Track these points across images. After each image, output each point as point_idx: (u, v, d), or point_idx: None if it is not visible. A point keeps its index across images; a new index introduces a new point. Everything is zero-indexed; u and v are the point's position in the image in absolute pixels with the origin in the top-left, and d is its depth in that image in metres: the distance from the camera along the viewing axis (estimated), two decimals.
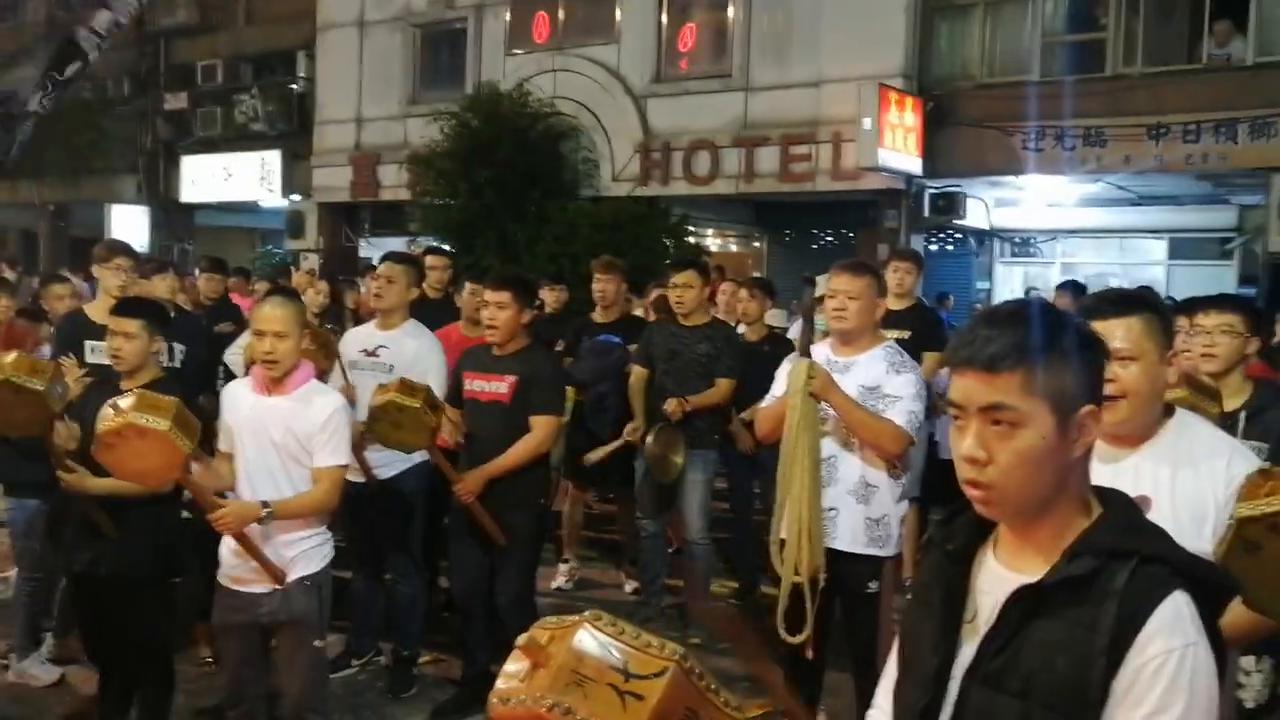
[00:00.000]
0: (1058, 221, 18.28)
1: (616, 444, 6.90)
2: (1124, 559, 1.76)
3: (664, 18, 17.10)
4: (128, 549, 4.65)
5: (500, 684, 1.92)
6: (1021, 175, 15.02)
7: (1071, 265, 19.14)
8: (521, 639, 1.94)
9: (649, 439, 6.51)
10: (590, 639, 1.86)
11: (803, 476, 4.50)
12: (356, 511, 5.89)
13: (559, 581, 7.65)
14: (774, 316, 8.52)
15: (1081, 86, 13.86)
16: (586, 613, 1.94)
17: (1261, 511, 2.38)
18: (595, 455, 6.94)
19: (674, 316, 6.88)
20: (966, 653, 1.88)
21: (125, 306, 4.87)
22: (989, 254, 19.75)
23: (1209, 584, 1.81)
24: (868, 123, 13.93)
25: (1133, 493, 2.03)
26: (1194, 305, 4.58)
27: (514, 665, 1.93)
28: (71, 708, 5.68)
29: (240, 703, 4.45)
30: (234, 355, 7.32)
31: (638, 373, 6.86)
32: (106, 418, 3.87)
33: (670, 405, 6.48)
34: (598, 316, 7.72)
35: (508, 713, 1.88)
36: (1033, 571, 1.82)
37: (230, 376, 7.08)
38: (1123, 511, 1.88)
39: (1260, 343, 4.64)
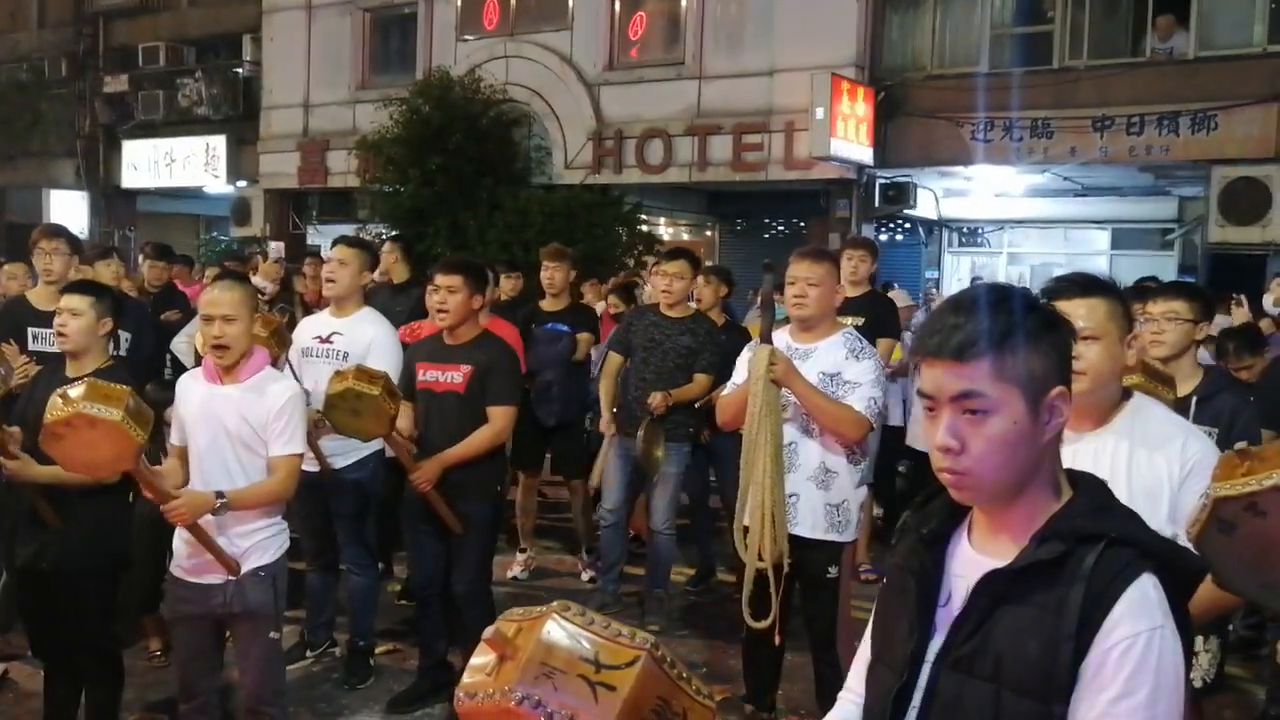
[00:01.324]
0: (1005, 212, 18.50)
1: (605, 449, 6.85)
2: (1092, 542, 1.76)
3: (616, 5, 17.08)
4: (72, 541, 4.54)
5: (466, 678, 1.88)
6: (970, 165, 15.20)
7: (1018, 255, 19.39)
8: (488, 632, 1.89)
9: (640, 433, 6.48)
10: (559, 630, 1.83)
11: (765, 463, 4.51)
12: (310, 501, 5.82)
13: (515, 571, 7.63)
14: None
15: (1029, 79, 14.10)
16: (555, 603, 1.90)
17: (1239, 491, 2.38)
18: (596, 474, 6.87)
19: (654, 306, 6.89)
20: (939, 637, 1.88)
21: (75, 285, 4.78)
22: (937, 243, 19.93)
23: (1178, 566, 1.82)
24: (820, 112, 14.01)
25: (1091, 471, 2.03)
26: (1144, 293, 4.63)
27: (480, 659, 1.88)
28: (16, 705, 5.55)
29: (193, 696, 4.35)
30: (181, 344, 7.20)
31: (612, 358, 6.84)
32: (55, 407, 3.72)
33: (655, 399, 6.47)
34: (546, 304, 7.68)
35: (475, 708, 1.83)
36: (1005, 555, 1.83)
37: (178, 366, 6.97)
38: (1092, 493, 1.88)
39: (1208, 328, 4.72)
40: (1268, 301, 9.86)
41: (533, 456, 7.64)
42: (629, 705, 1.75)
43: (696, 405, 6.72)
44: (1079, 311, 2.75)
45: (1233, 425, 4.12)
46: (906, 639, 1.91)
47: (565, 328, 7.28)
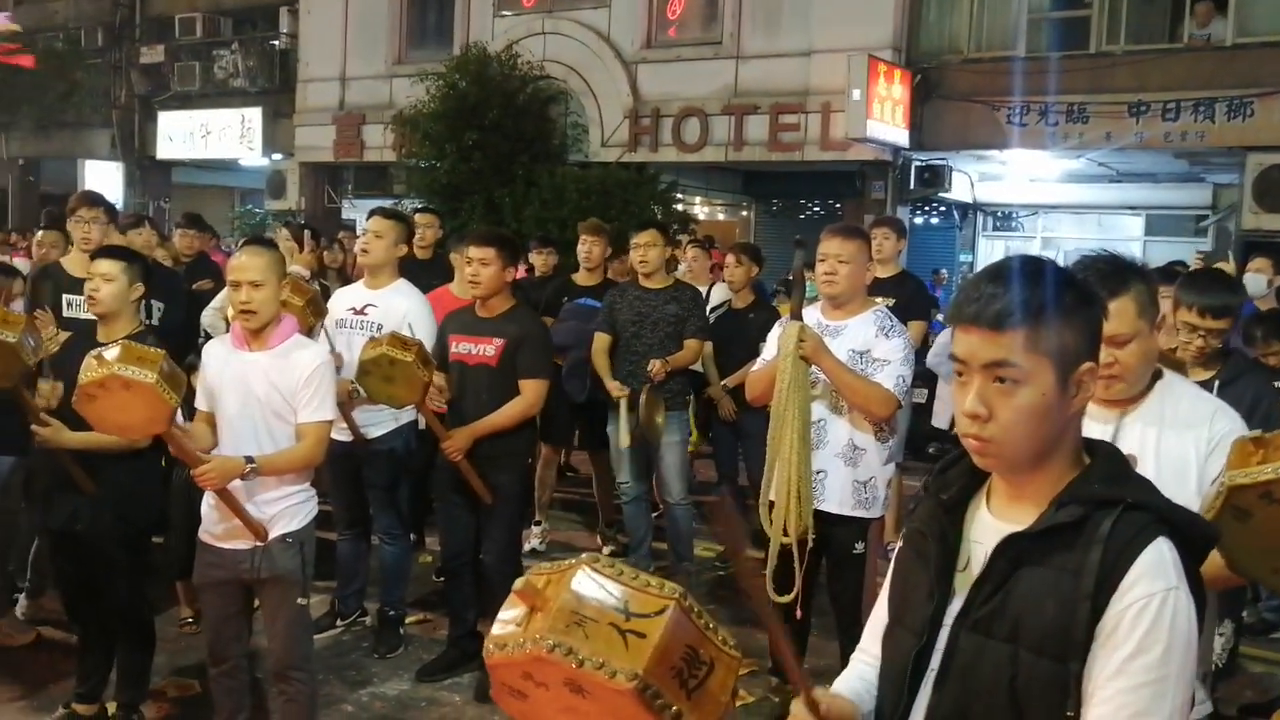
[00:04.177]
0: (1039, 196, 18.41)
1: (623, 413, 6.74)
2: (1109, 507, 1.80)
3: None
4: (105, 506, 4.59)
5: (496, 630, 1.89)
6: (1005, 150, 15.10)
7: (1052, 240, 19.29)
8: (518, 583, 1.90)
9: (640, 402, 6.49)
10: (589, 580, 1.84)
11: (792, 439, 4.50)
12: (343, 471, 5.86)
13: (533, 543, 7.58)
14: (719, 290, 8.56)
15: (1065, 63, 13.99)
16: (584, 555, 1.92)
17: (1254, 479, 2.39)
18: (624, 436, 6.81)
19: (633, 281, 6.93)
20: (958, 600, 1.91)
21: (106, 250, 4.81)
22: (972, 227, 19.85)
23: (1191, 532, 1.84)
24: (856, 94, 13.94)
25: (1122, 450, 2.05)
26: (1172, 276, 4.54)
27: (510, 611, 1.89)
28: (49, 667, 5.62)
29: (222, 661, 4.40)
30: (210, 315, 7.23)
31: (600, 338, 6.82)
32: (90, 368, 3.76)
33: (654, 367, 6.47)
34: (579, 278, 7.68)
35: (505, 658, 1.84)
36: (1024, 521, 1.86)
37: (208, 338, 7.01)
38: (1109, 462, 1.91)
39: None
40: None
41: (559, 431, 7.65)
42: (658, 653, 1.76)
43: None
44: (1111, 315, 2.68)
45: (1254, 410, 4.06)
46: (926, 602, 1.94)
47: (598, 303, 7.27)
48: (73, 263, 6.06)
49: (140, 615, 4.93)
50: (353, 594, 6.25)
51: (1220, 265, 9.02)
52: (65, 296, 5.91)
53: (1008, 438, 1.82)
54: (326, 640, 5.93)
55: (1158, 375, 2.94)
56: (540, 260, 8.56)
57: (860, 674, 2.15)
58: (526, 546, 7.51)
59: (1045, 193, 18.12)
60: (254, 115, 21.70)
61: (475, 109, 15.53)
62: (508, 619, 1.87)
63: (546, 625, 1.79)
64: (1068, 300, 1.82)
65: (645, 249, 6.72)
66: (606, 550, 7.69)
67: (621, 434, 6.67)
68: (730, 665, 1.87)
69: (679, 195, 16.41)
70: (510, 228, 13.21)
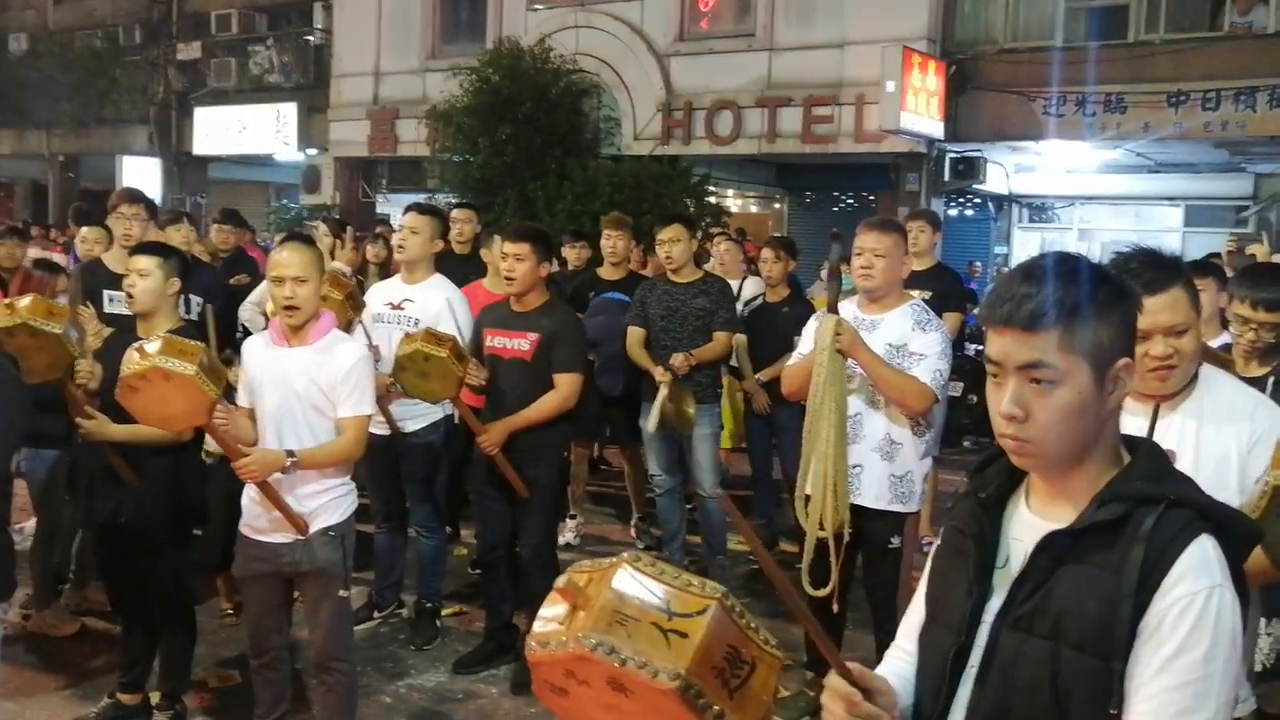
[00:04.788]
0: (1076, 188, 18.26)
1: (662, 395, 6.69)
2: (1151, 504, 1.78)
3: None
4: (148, 498, 4.66)
5: (538, 627, 1.89)
6: (1042, 141, 14.98)
7: (1088, 231, 19.15)
8: (560, 581, 1.90)
9: (663, 396, 6.50)
10: (631, 579, 1.83)
11: (829, 432, 4.50)
12: (380, 464, 5.90)
13: (566, 537, 7.59)
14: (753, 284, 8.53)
15: (1104, 53, 13.85)
16: (625, 554, 1.91)
17: None
18: (654, 418, 6.81)
19: (662, 276, 6.92)
20: (997, 598, 1.90)
21: (143, 246, 4.89)
22: (1007, 219, 19.72)
23: (1233, 530, 1.83)
24: (891, 85, 13.86)
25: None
26: (1207, 269, 4.49)
27: (551, 609, 1.89)
28: (93, 657, 5.70)
29: (264, 653, 4.44)
30: (248, 310, 7.29)
31: (634, 332, 6.83)
32: (132, 361, 3.83)
33: (677, 359, 6.47)
34: (605, 273, 7.69)
35: (547, 656, 1.84)
36: (1064, 519, 1.84)
37: (247, 333, 7.07)
38: (1150, 459, 1.90)
39: None
40: None
41: (588, 426, 7.64)
42: (701, 652, 1.75)
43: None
44: (1164, 306, 2.74)
45: None
46: (965, 600, 1.93)
47: (625, 297, 7.27)
48: (114, 259, 6.13)
49: (182, 606, 4.99)
50: (390, 586, 6.31)
51: (1254, 249, 8.93)
52: (106, 292, 5.98)
53: (1045, 438, 1.81)
54: (364, 632, 5.98)
55: (1197, 370, 2.93)
56: (573, 254, 8.57)
57: (896, 670, 2.14)
58: (561, 540, 7.55)
59: (1082, 184, 17.98)
60: (289, 110, 21.84)
61: (508, 103, 15.55)
62: (549, 616, 1.87)
63: (589, 624, 1.79)
64: (1101, 297, 1.80)
65: (670, 244, 6.72)
66: (640, 544, 7.72)
67: (651, 418, 6.67)
68: (772, 665, 1.87)
69: (711, 188, 16.36)
70: (543, 222, 13.22)
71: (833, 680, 1.90)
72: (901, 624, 2.20)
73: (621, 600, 1.81)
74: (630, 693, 1.78)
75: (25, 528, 6.38)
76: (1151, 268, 2.74)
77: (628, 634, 1.77)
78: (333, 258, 6.81)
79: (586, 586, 1.87)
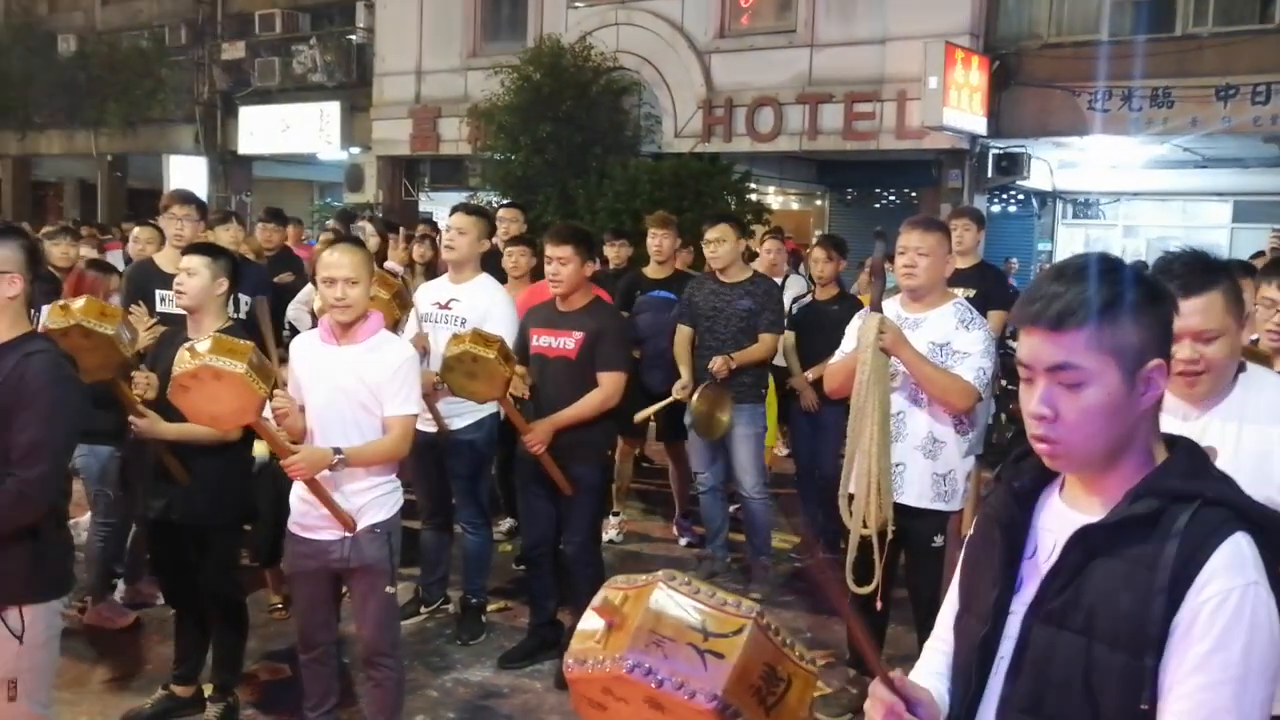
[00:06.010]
0: (1121, 183, 18.08)
1: (664, 403, 6.89)
2: (1186, 501, 1.77)
3: None
4: (199, 495, 4.74)
5: (575, 644, 1.91)
6: (1087, 136, 14.83)
7: (1133, 227, 18.99)
8: (596, 600, 1.92)
9: (694, 398, 6.52)
10: (667, 598, 1.85)
11: (872, 430, 4.51)
12: (426, 462, 5.96)
13: (610, 534, 7.62)
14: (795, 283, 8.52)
15: (1150, 46, 13.68)
16: (660, 572, 1.92)
17: None
18: (642, 415, 6.91)
19: (711, 274, 6.90)
20: (1028, 590, 1.90)
21: (192, 247, 4.99)
22: (1051, 215, 19.58)
23: (1271, 529, 1.81)
24: (933, 81, 13.79)
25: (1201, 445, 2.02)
26: (1269, 271, 4.44)
27: (588, 625, 1.91)
28: (147, 650, 5.81)
29: (313, 647, 4.50)
30: (296, 310, 7.36)
31: (682, 331, 6.85)
32: (183, 360, 3.90)
33: (716, 364, 6.47)
34: (650, 271, 7.71)
35: (585, 674, 1.86)
36: (1097, 512, 1.85)
37: (294, 332, 7.15)
38: (1188, 456, 1.89)
39: None
40: None
41: (638, 425, 7.67)
42: (737, 672, 1.77)
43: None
44: (1196, 310, 2.71)
45: None
46: (992, 587, 1.94)
47: (673, 295, 7.29)
48: (165, 258, 6.21)
49: (233, 601, 5.07)
50: (436, 582, 6.37)
51: None
52: (158, 292, 6.06)
53: (1075, 438, 1.81)
54: (411, 627, 6.03)
55: (1240, 368, 2.91)
56: (614, 253, 8.59)
57: (935, 663, 2.16)
58: (604, 537, 7.59)
59: (1127, 179, 17.80)
60: (332, 109, 21.98)
61: (549, 101, 15.60)
62: (586, 633, 1.89)
63: (626, 644, 1.80)
64: (1132, 297, 1.79)
65: (716, 244, 6.71)
66: (683, 542, 7.74)
67: (686, 418, 6.71)
68: (807, 680, 1.88)
69: (752, 185, 16.33)
70: (584, 220, 13.25)
71: (877, 688, 1.91)
72: (940, 614, 2.21)
73: (658, 620, 1.82)
74: (668, 711, 1.80)
75: (80, 522, 6.48)
76: (1192, 270, 2.73)
77: (664, 654, 1.78)
78: (382, 258, 6.88)
79: (623, 605, 1.88)
